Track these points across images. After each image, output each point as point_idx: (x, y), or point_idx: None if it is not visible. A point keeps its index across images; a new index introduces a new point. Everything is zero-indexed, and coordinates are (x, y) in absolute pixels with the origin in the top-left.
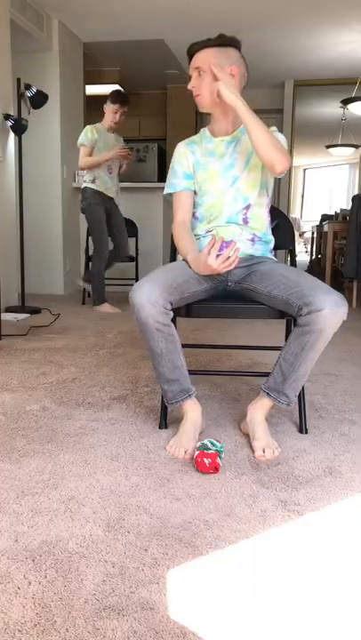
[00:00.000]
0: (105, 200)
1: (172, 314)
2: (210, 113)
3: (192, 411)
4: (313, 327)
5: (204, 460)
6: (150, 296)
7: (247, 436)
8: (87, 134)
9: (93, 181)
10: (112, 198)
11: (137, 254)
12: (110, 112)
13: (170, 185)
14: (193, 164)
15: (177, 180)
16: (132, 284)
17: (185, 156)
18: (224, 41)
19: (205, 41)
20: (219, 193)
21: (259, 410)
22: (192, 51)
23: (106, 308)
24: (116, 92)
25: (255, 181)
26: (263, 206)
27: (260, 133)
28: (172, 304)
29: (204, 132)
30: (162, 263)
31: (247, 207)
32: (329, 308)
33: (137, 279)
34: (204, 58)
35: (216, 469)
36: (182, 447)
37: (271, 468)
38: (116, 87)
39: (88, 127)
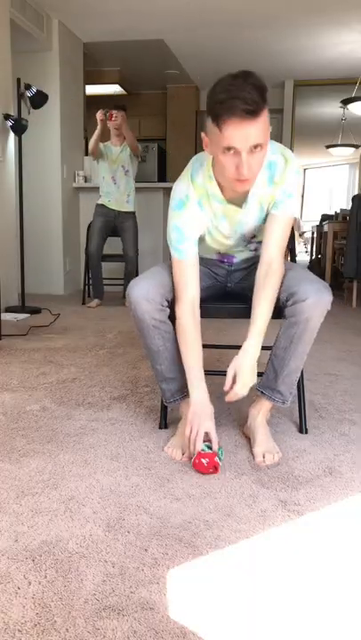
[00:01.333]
0: (108, 212)
1: (168, 311)
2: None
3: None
4: (298, 317)
5: (202, 460)
6: (147, 293)
7: (249, 438)
8: (92, 142)
9: (100, 197)
10: (117, 210)
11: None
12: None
13: (177, 250)
14: (206, 228)
15: (187, 247)
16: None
17: (199, 218)
18: (265, 96)
19: (259, 98)
20: (222, 247)
21: (258, 412)
22: (242, 114)
23: (91, 303)
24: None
25: (260, 229)
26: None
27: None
28: (168, 302)
29: (211, 184)
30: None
31: (253, 237)
32: (312, 297)
33: None
34: (262, 129)
35: (216, 469)
36: (180, 448)
37: (271, 468)
38: (116, 87)
39: (100, 145)
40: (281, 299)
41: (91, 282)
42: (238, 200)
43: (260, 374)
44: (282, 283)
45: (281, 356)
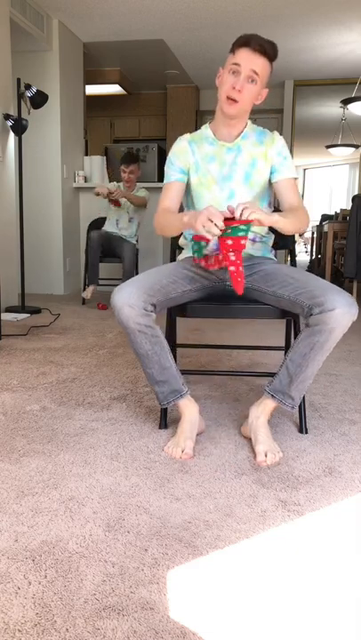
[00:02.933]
0: (110, 235)
1: (154, 315)
2: (214, 113)
3: (188, 410)
4: (323, 327)
5: (227, 242)
6: (129, 299)
7: (248, 438)
8: (110, 184)
9: (104, 224)
10: (119, 237)
11: (137, 253)
12: (121, 173)
13: (166, 175)
14: (192, 163)
15: (172, 172)
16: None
17: (185, 152)
18: (276, 55)
19: (271, 48)
20: (215, 203)
21: (261, 412)
22: (255, 47)
23: (86, 292)
24: (123, 154)
25: (256, 199)
26: None
27: (291, 226)
28: (155, 306)
29: (206, 130)
30: (162, 263)
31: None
32: (341, 308)
33: None
34: (264, 67)
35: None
36: (179, 447)
37: (271, 468)
38: (116, 87)
39: (115, 183)
40: (303, 305)
41: (87, 267)
42: (229, 139)
43: (268, 375)
44: (302, 288)
45: (298, 362)
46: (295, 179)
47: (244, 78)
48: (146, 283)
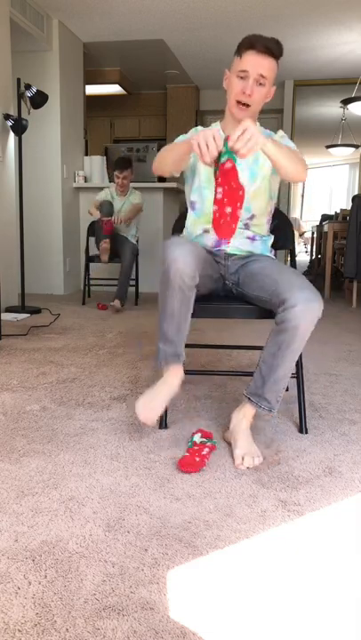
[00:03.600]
0: (113, 234)
1: (197, 279)
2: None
3: (175, 376)
4: (287, 324)
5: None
6: (185, 256)
7: (229, 443)
8: (101, 193)
9: None
10: (122, 236)
11: (137, 253)
12: (115, 178)
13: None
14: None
15: (182, 137)
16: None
17: None
18: (281, 53)
19: (276, 47)
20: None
21: (243, 418)
22: (260, 49)
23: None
24: (116, 159)
25: (261, 192)
26: (267, 214)
27: (285, 160)
28: (196, 278)
29: (215, 126)
30: None
31: (251, 217)
32: (302, 304)
33: (137, 279)
34: (271, 69)
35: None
36: (153, 411)
37: (271, 467)
38: (116, 87)
39: (106, 189)
40: (273, 304)
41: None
42: None
43: (248, 374)
44: (274, 288)
45: (269, 362)
46: (296, 150)
47: (253, 82)
48: (198, 253)
